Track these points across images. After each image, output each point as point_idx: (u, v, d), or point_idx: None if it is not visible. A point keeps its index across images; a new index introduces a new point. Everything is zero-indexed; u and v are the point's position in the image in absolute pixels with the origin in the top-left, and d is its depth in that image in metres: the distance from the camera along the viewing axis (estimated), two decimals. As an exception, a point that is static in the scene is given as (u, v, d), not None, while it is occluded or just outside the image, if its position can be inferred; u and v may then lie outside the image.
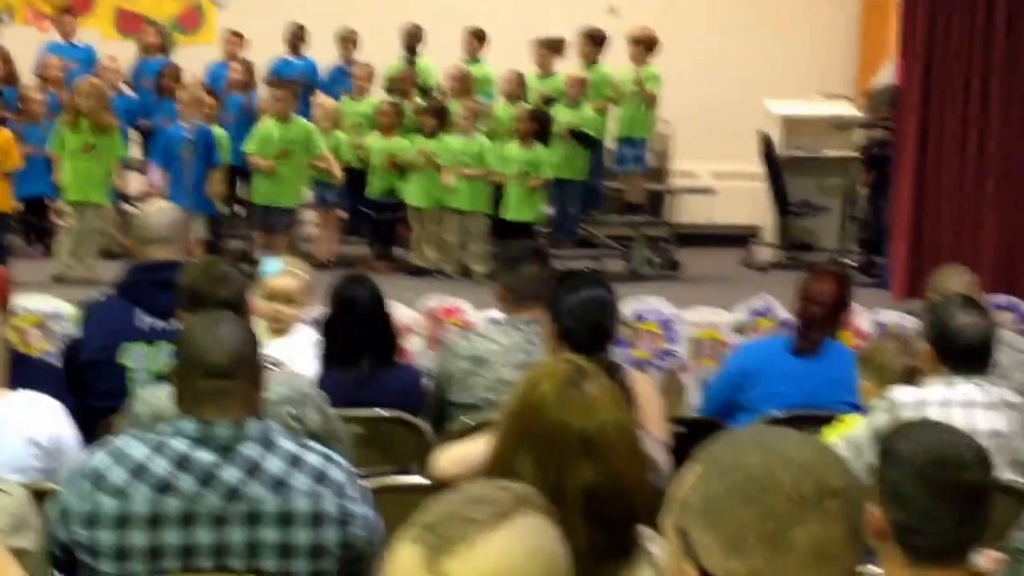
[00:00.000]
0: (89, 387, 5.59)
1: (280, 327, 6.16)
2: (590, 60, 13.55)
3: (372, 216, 12.98)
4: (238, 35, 14.39)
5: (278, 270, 6.30)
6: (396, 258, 13.01)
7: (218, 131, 12.32)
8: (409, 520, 2.05)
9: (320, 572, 3.67)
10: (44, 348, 8.31)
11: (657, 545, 2.94)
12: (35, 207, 12.81)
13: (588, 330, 4.92)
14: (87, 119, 11.74)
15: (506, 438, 3.13)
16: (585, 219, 13.59)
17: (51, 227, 12.82)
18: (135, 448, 3.67)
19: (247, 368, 3.77)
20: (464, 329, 8.20)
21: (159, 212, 6.21)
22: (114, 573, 3.58)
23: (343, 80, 14.07)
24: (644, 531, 3.01)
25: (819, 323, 6.27)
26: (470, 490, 2.07)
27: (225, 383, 3.69)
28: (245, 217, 13.26)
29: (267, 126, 12.37)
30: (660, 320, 9.51)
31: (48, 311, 8.90)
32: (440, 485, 4.20)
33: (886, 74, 13.31)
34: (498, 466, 3.11)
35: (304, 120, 12.59)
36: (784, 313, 8.78)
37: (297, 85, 13.05)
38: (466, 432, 5.03)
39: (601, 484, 2.98)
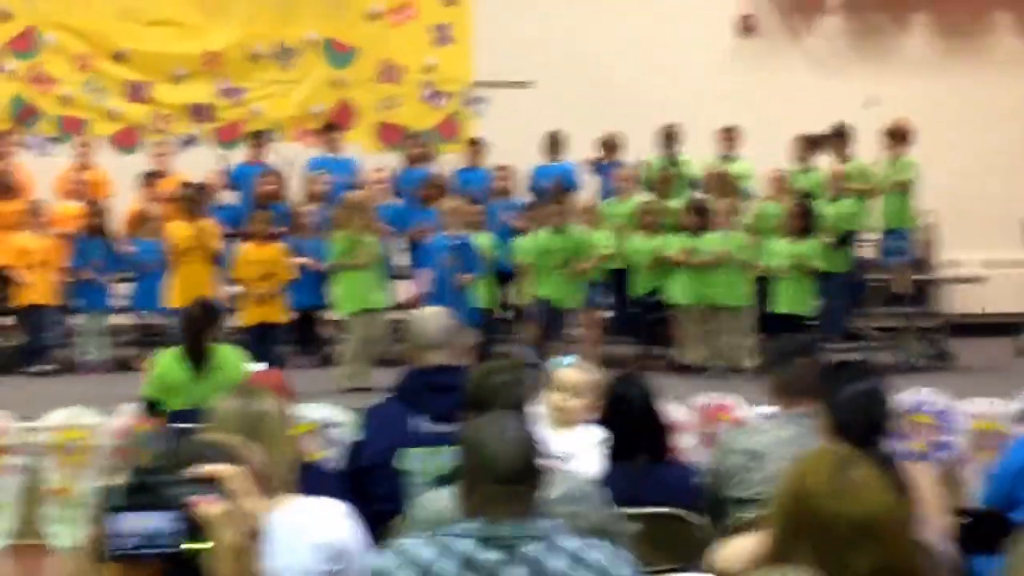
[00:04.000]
0: (369, 491, 5.69)
1: (566, 419, 6.21)
2: (844, 154, 13.51)
3: (638, 315, 13.03)
4: (476, 142, 14.70)
5: (568, 363, 6.39)
6: (664, 356, 13.00)
7: (482, 238, 12.53)
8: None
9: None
10: (320, 455, 8.49)
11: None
12: (306, 319, 13.18)
13: (863, 422, 4.87)
14: (356, 231, 12.05)
15: (781, 531, 3.11)
16: (851, 312, 13.44)
17: (322, 338, 13.18)
18: (421, 550, 3.72)
19: (533, 472, 3.82)
20: (738, 424, 8.15)
21: (434, 317, 6.33)
22: None
23: (604, 182, 14.28)
24: None
25: None
26: None
27: (513, 487, 3.75)
28: (513, 319, 13.43)
29: (541, 237, 12.55)
30: (935, 412, 9.34)
31: (322, 418, 9.12)
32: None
33: None
34: (776, 560, 3.09)
35: (579, 228, 12.77)
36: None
37: (568, 196, 13.22)
38: (745, 527, 4.99)
39: (880, 570, 2.94)
